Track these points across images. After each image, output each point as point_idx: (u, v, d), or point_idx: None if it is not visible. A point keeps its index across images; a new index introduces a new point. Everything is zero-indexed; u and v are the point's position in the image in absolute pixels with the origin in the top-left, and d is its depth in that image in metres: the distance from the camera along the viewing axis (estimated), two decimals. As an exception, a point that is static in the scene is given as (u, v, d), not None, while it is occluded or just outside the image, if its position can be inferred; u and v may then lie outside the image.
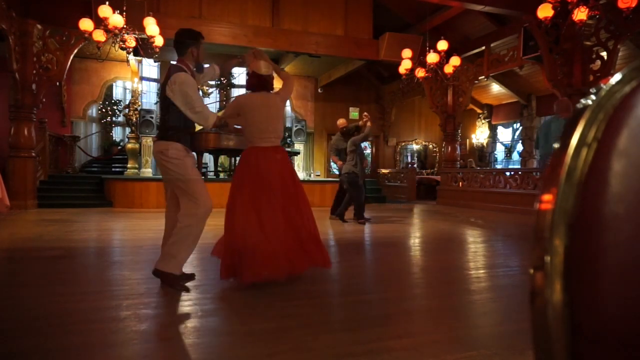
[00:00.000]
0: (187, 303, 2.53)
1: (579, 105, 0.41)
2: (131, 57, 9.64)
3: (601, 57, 7.27)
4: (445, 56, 8.06)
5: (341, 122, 7.43)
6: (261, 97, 3.11)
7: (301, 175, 13.22)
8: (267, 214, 2.91)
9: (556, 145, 0.41)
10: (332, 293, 3.00)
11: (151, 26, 6.87)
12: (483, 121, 15.33)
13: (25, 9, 7.36)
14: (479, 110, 15.25)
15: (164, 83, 2.79)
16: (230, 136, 9.05)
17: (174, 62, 2.92)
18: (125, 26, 6.71)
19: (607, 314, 0.36)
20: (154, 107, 11.54)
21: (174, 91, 2.70)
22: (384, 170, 13.68)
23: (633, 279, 0.35)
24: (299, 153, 12.35)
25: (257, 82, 3.15)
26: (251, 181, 2.97)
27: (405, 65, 8.21)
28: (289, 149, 11.09)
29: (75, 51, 7.92)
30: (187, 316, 2.35)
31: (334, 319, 2.39)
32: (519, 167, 12.77)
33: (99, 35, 6.76)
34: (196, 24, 6.80)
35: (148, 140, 9.84)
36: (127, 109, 10.75)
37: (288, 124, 13.14)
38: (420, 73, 8.26)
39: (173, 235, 2.74)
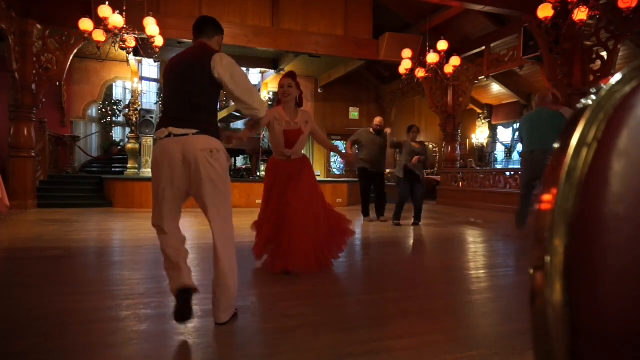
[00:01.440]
0: (187, 303, 2.53)
1: (579, 105, 0.41)
2: (131, 57, 9.65)
3: (601, 57, 7.26)
4: (445, 56, 8.06)
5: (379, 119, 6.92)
6: None
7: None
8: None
9: (556, 145, 0.41)
10: (332, 293, 3.00)
11: (151, 26, 6.87)
12: (483, 121, 15.32)
13: (25, 9, 7.36)
14: (479, 110, 15.25)
15: (191, 61, 2.18)
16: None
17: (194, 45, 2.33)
18: (125, 26, 6.71)
19: (607, 314, 0.36)
20: (154, 107, 11.56)
21: (225, 69, 2.11)
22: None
23: (633, 279, 0.35)
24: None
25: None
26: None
27: (405, 65, 8.20)
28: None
29: (75, 51, 7.92)
30: (187, 316, 2.34)
31: (334, 319, 2.39)
32: (519, 167, 12.76)
33: (99, 35, 6.76)
34: (196, 24, 6.79)
35: (148, 140, 9.84)
36: (127, 109, 10.76)
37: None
38: (420, 73, 8.25)
39: (221, 269, 2.15)
